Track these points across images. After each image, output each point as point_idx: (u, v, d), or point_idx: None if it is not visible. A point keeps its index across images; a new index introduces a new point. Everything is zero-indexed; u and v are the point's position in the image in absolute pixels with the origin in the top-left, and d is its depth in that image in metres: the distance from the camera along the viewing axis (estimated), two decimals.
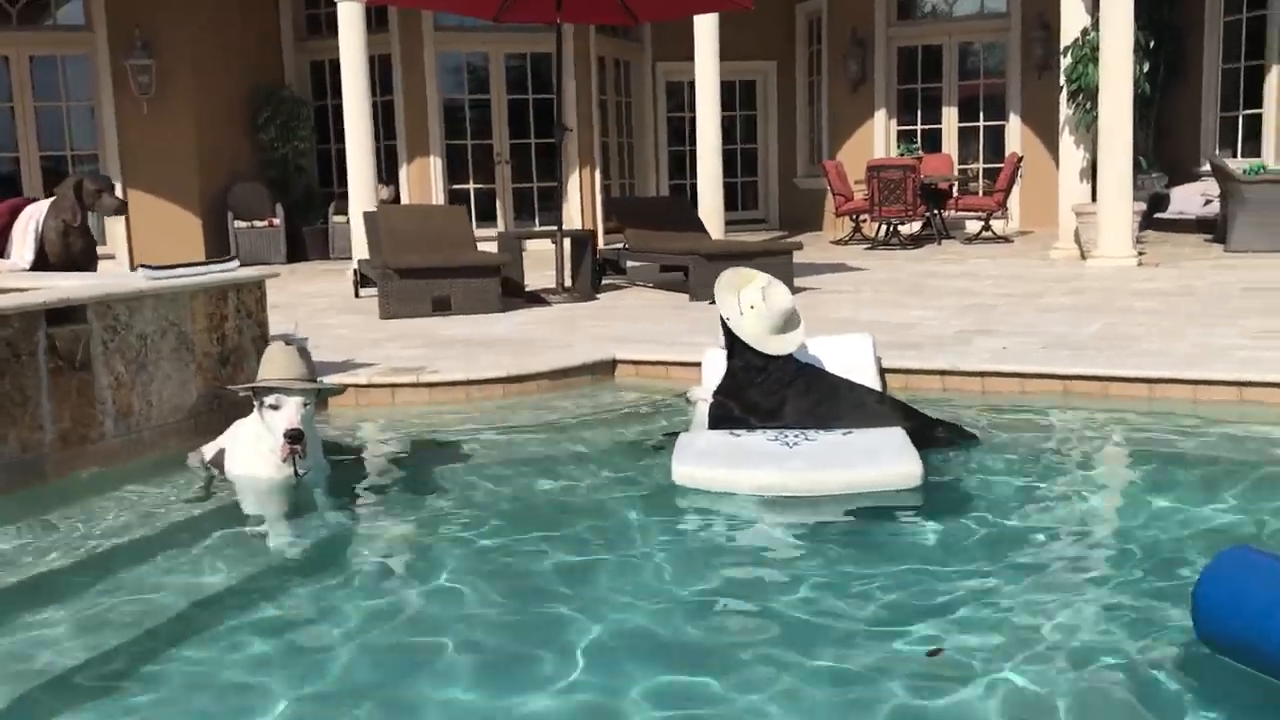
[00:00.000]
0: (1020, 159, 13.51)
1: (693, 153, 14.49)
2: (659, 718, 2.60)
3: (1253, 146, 13.53)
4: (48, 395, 4.47)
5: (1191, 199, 13.55)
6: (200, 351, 5.16)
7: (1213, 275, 9.38)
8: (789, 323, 5.11)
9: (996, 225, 13.66)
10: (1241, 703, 2.63)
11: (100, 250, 7.60)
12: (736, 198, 16.07)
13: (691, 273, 8.99)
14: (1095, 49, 10.55)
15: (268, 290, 5.62)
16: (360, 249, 10.67)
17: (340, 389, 5.26)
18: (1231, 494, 4.09)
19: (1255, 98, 13.53)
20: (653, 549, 3.73)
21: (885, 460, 4.28)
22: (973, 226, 13.95)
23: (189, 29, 13.15)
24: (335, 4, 11.20)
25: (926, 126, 15.42)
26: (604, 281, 10.05)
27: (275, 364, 4.55)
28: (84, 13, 13.22)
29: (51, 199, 6.73)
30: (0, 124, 13.27)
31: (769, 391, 4.99)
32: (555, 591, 3.36)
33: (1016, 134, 14.79)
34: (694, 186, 14.08)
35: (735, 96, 16.20)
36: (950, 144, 15.27)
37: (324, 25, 14.12)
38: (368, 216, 9.86)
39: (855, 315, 7.44)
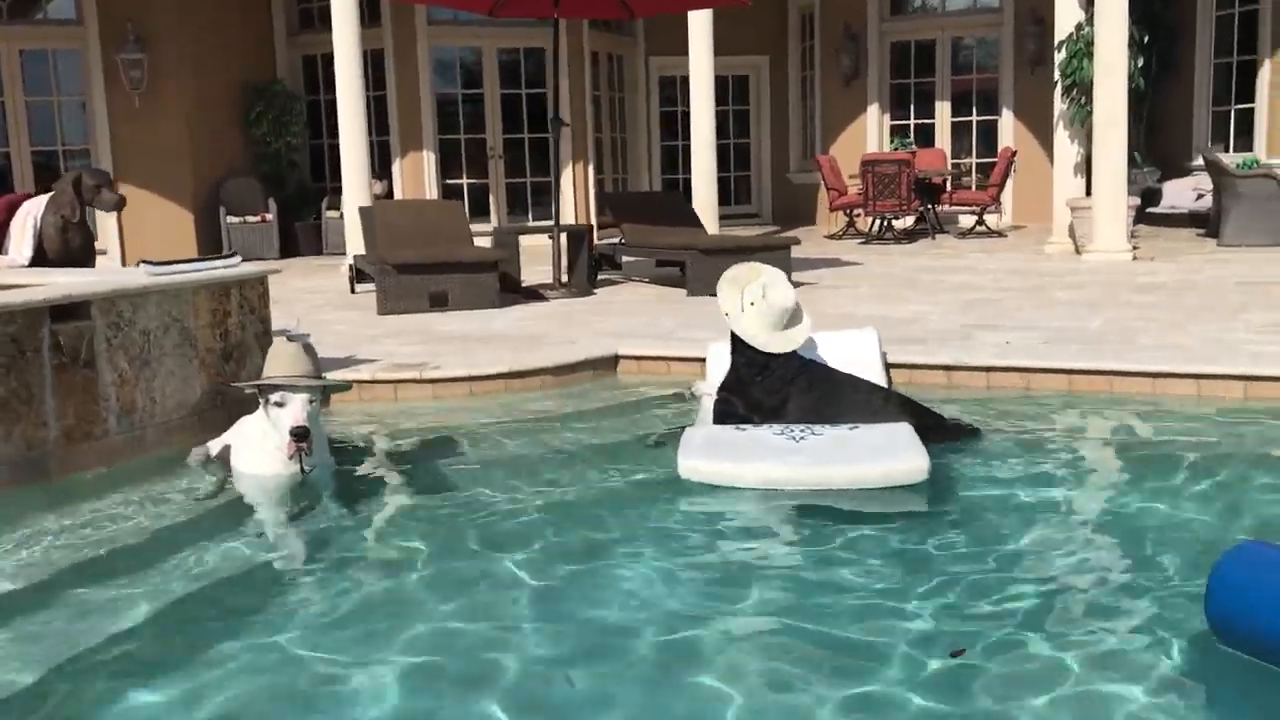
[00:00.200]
0: (1014, 153, 13.54)
1: (685, 147, 14.50)
2: (665, 713, 2.60)
3: (1244, 141, 13.58)
4: (52, 392, 4.44)
5: (1183, 193, 13.61)
6: (203, 347, 5.14)
7: (1209, 270, 9.41)
8: (791, 320, 5.10)
9: (990, 220, 13.69)
10: (1254, 695, 2.63)
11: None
12: (729, 192, 16.06)
13: (689, 267, 8.98)
14: (1090, 44, 10.58)
15: None
16: (355, 244, 10.65)
17: (346, 385, 5.25)
18: (1240, 488, 4.10)
19: (1247, 92, 13.58)
20: (658, 543, 3.72)
21: (892, 455, 4.27)
22: (966, 221, 13.98)
23: (181, 23, 13.07)
24: None
25: (919, 121, 15.44)
26: (600, 277, 10.03)
27: (280, 361, 4.52)
28: (75, 7, 13.13)
29: (50, 194, 6.69)
30: None
31: (771, 390, 4.97)
32: (562, 586, 3.35)
33: (1009, 129, 14.81)
34: (687, 181, 14.06)
35: (728, 91, 16.18)
36: (943, 139, 15.29)
37: (316, 20, 14.09)
38: (363, 211, 9.84)
39: (855, 310, 7.44)
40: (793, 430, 4.60)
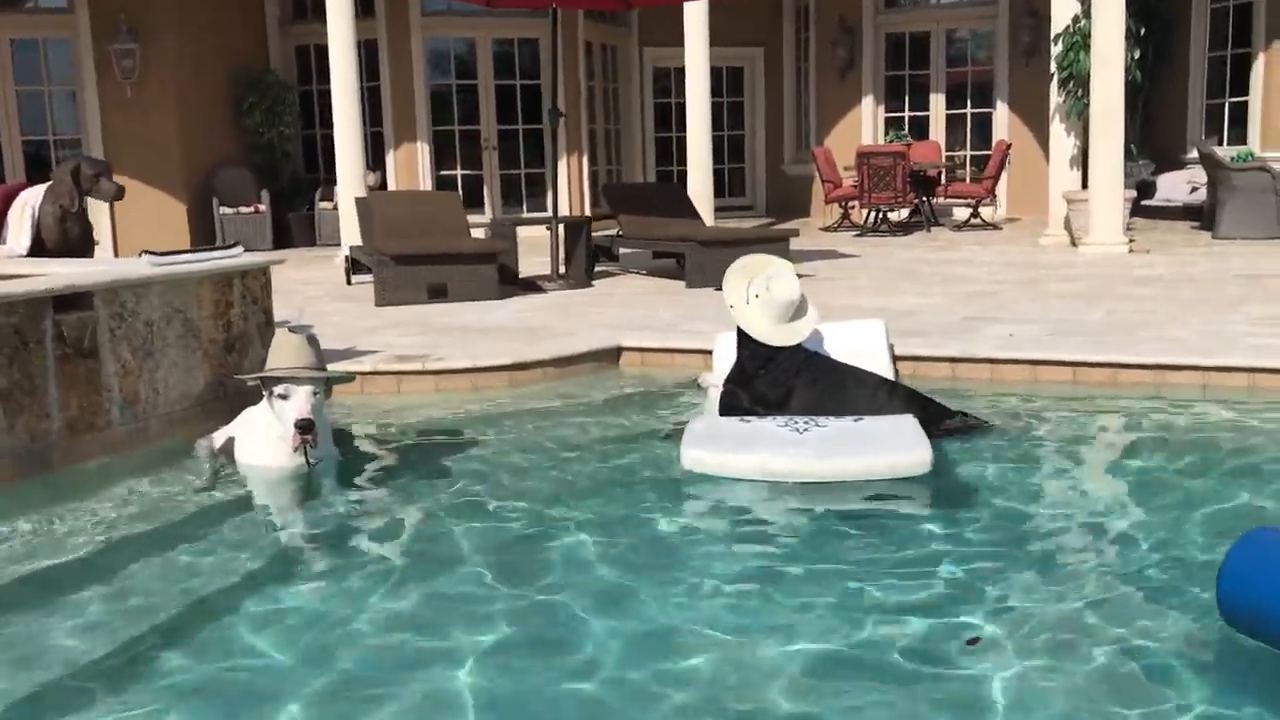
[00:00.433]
0: (1009, 146, 13.53)
1: (679, 139, 14.46)
2: (668, 704, 2.58)
3: (1238, 134, 13.60)
4: (55, 383, 4.41)
5: (1178, 186, 13.62)
6: (206, 338, 5.11)
7: (1205, 262, 9.43)
8: (796, 313, 5.07)
9: (985, 212, 13.69)
10: (1267, 681, 2.63)
11: None
12: (723, 184, 16.00)
13: (688, 259, 8.96)
14: (1086, 36, 10.59)
15: None
16: (349, 236, 10.60)
17: (349, 377, 5.22)
18: (1248, 478, 4.11)
19: (1241, 85, 13.60)
20: (662, 535, 3.72)
21: (896, 447, 4.26)
22: (960, 214, 13.97)
23: (174, 13, 12.99)
24: None
25: (914, 113, 15.43)
26: (596, 268, 10.00)
27: (284, 352, 4.49)
28: None
29: (48, 184, 6.63)
30: None
31: (775, 382, 4.96)
32: (567, 578, 3.34)
33: (1004, 121, 14.81)
34: (681, 173, 14.05)
35: (722, 83, 16.12)
36: (937, 131, 15.29)
37: (309, 10, 14.00)
38: (360, 202, 9.79)
39: (855, 302, 7.43)
40: (796, 422, 4.59)
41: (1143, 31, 11.44)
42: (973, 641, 2.82)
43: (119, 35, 12.75)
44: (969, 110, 15.26)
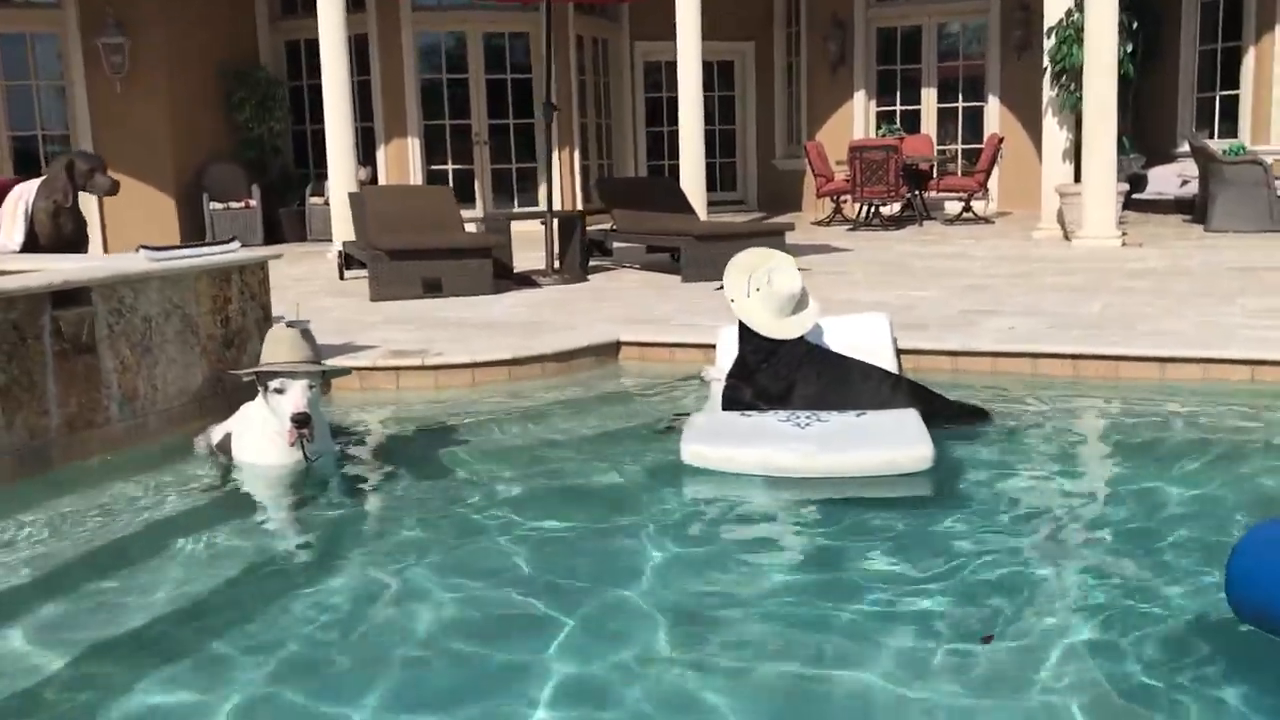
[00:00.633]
0: (1001, 140, 13.54)
1: (670, 133, 14.41)
2: (673, 702, 2.57)
3: (1227, 127, 13.64)
4: (53, 379, 4.37)
5: (1169, 179, 13.66)
6: (204, 334, 5.07)
7: (1199, 255, 9.44)
8: (797, 306, 5.06)
9: (977, 206, 13.69)
10: (1275, 673, 2.63)
11: None
12: (714, 179, 15.97)
13: (684, 254, 8.94)
14: (1080, 30, 10.58)
15: None
16: (340, 231, 10.55)
17: (346, 370, 5.19)
18: (1255, 470, 4.11)
19: (1231, 79, 13.63)
20: (663, 530, 3.69)
21: (897, 442, 4.24)
22: (952, 207, 13.98)
23: (162, 7, 12.89)
24: None
25: (905, 107, 15.42)
26: (590, 263, 9.98)
27: (279, 346, 4.45)
28: None
29: (42, 179, 6.57)
30: None
31: (777, 376, 4.94)
32: (569, 576, 3.31)
33: (995, 115, 14.82)
34: (672, 167, 13.98)
35: (713, 77, 16.09)
36: (929, 125, 15.28)
37: (299, 4, 13.93)
38: (352, 197, 9.74)
39: (854, 296, 7.41)
40: (798, 417, 4.57)
41: (1135, 25, 11.46)
42: (987, 639, 2.80)
43: (107, 30, 12.66)
44: (960, 104, 15.26)
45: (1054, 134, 11.33)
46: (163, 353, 4.85)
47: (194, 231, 13.01)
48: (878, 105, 15.55)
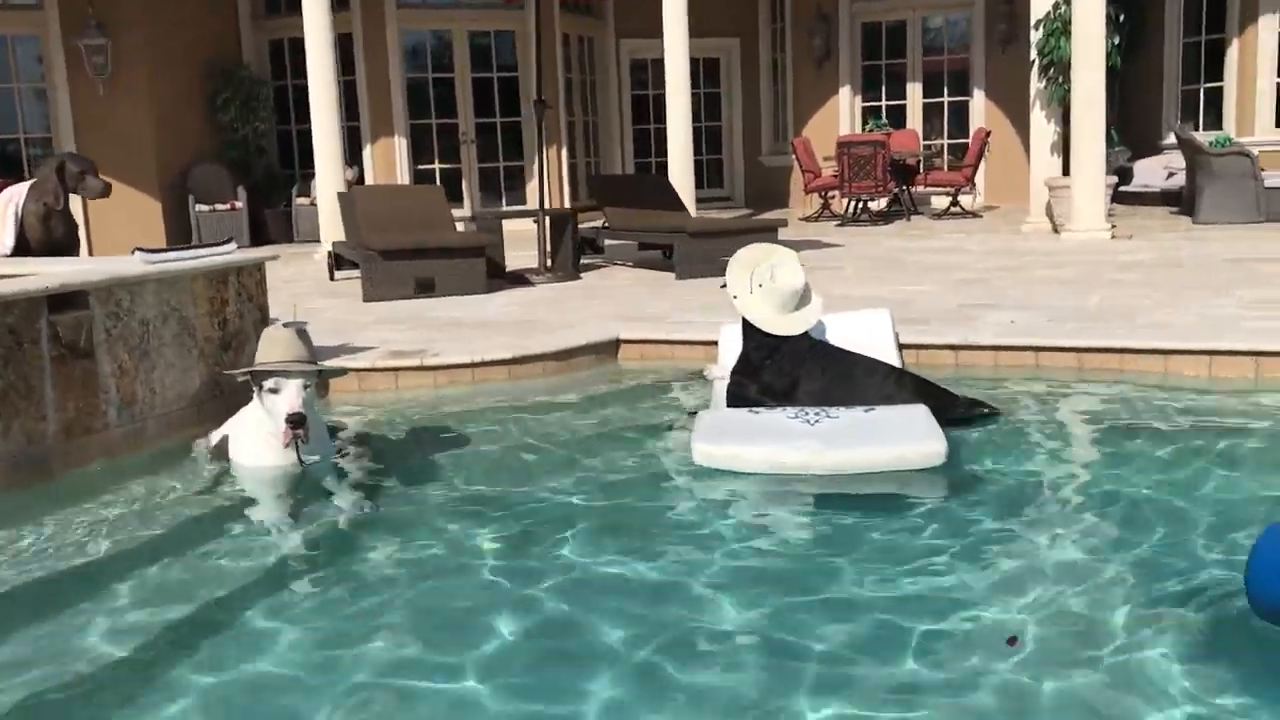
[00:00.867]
0: (988, 134, 13.55)
1: (657, 131, 14.40)
2: (688, 706, 2.54)
3: (1211, 119, 13.69)
4: (51, 384, 4.31)
5: (1155, 172, 13.70)
6: (202, 336, 5.01)
7: (1189, 247, 9.47)
8: (800, 302, 5.03)
9: (964, 200, 13.71)
10: None
11: None
12: (701, 176, 15.91)
13: (678, 251, 8.91)
14: (1067, 23, 10.59)
15: None
16: (329, 231, 10.49)
17: (342, 371, 5.15)
18: (1267, 463, 4.09)
19: (1216, 71, 13.68)
20: (674, 531, 3.66)
21: (909, 438, 4.22)
22: (939, 202, 13.99)
23: (143, 8, 12.79)
24: None
25: (891, 103, 15.43)
26: (582, 260, 9.94)
27: (273, 346, 4.39)
28: None
29: (31, 181, 6.49)
30: None
31: (780, 373, 4.91)
32: (577, 577, 3.28)
33: (980, 109, 14.85)
34: (659, 165, 13.99)
35: (699, 74, 16.06)
36: (915, 120, 15.29)
37: (283, 3, 13.84)
38: (342, 198, 9.68)
39: (850, 292, 7.39)
40: (807, 413, 4.54)
41: (1120, 18, 11.48)
42: (1012, 641, 2.78)
43: (88, 31, 12.55)
44: (945, 99, 15.28)
45: (1042, 127, 11.35)
46: (160, 356, 4.79)
47: (180, 234, 12.92)
48: (863, 100, 15.56)
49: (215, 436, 4.70)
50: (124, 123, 12.76)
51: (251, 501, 4.27)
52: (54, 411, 4.33)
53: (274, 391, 4.29)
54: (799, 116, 15.73)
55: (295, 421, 4.22)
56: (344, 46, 13.46)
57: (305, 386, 4.31)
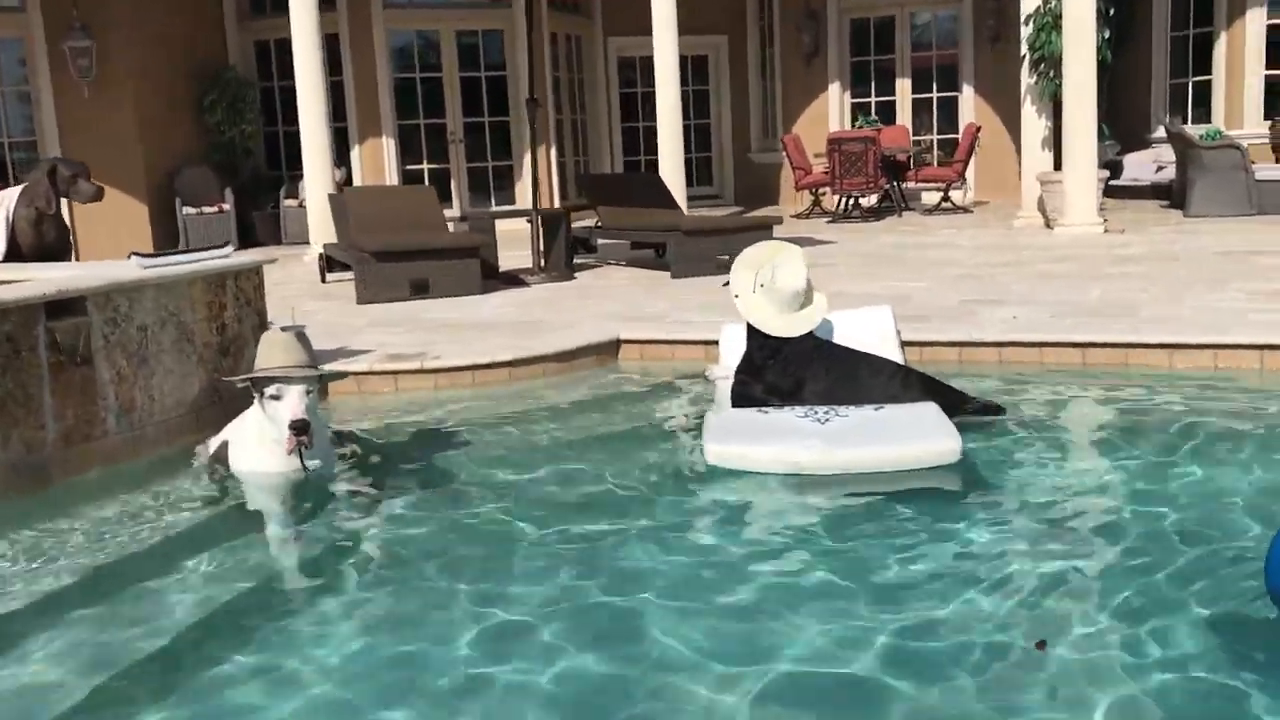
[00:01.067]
0: (979, 129, 13.55)
1: (646, 129, 14.37)
2: (713, 709, 2.51)
3: (1200, 113, 13.72)
4: (49, 392, 4.24)
5: (1144, 165, 13.72)
6: (201, 342, 4.94)
7: (1183, 241, 9.47)
8: (804, 302, 4.98)
9: (955, 196, 13.70)
10: None
11: None
12: (691, 173, 15.86)
13: (673, 250, 8.87)
14: (1058, 17, 10.59)
15: None
16: (318, 233, 10.41)
17: (343, 375, 5.08)
18: (1274, 458, 4.08)
19: (1204, 64, 13.71)
20: (690, 534, 3.63)
21: (924, 436, 4.19)
22: (930, 198, 13.98)
23: (128, 9, 12.67)
24: None
25: (880, 98, 15.42)
26: (575, 260, 9.89)
27: (274, 351, 4.31)
28: None
29: (22, 185, 6.41)
30: None
31: (784, 372, 4.87)
32: (586, 581, 3.24)
33: (970, 104, 14.84)
34: (649, 163, 13.95)
35: (687, 71, 15.94)
36: (904, 115, 15.28)
37: (268, 4, 13.74)
38: (333, 199, 9.62)
39: (847, 289, 7.35)
40: (816, 412, 4.51)
41: (1110, 12, 11.48)
42: (1040, 645, 2.74)
43: (73, 33, 12.41)
44: (935, 94, 15.27)
45: (1033, 122, 11.34)
46: (159, 362, 4.72)
47: (167, 237, 12.82)
48: (852, 96, 15.54)
49: (214, 443, 4.62)
50: (110, 125, 12.64)
51: (254, 509, 4.22)
52: (53, 419, 4.26)
53: (276, 398, 4.20)
54: (788, 113, 15.69)
55: (300, 428, 4.13)
56: (330, 47, 13.29)
57: (308, 392, 4.24)
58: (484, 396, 5.51)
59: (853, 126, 14.71)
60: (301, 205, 12.34)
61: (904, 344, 5.38)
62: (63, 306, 4.30)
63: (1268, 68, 13.17)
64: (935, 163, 14.63)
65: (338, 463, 4.50)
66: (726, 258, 8.39)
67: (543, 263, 9.23)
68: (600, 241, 10.55)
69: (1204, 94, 13.76)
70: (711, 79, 16.70)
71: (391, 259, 8.07)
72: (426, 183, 13.60)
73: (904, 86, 15.32)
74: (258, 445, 4.36)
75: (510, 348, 5.91)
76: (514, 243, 9.72)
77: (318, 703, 2.61)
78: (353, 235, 8.61)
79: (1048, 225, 10.92)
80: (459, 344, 6.14)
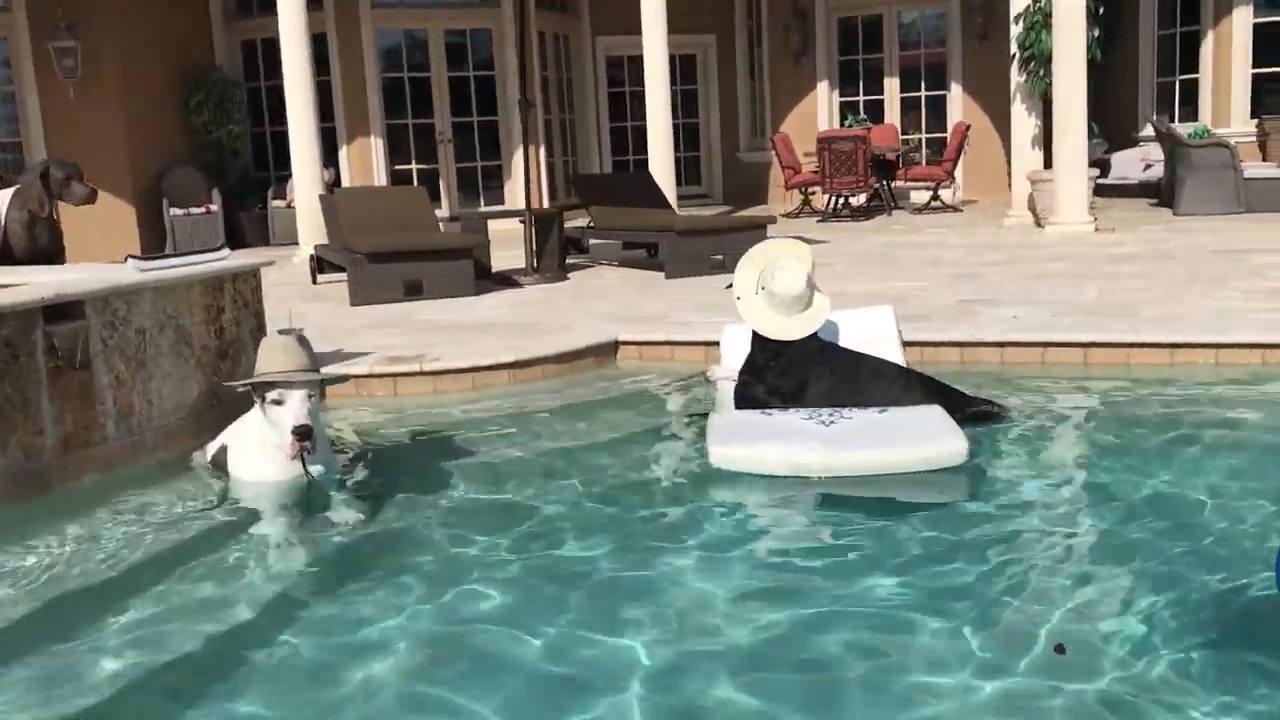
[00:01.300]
0: (968, 127, 13.55)
1: (635, 128, 14.32)
2: (696, 708, 2.50)
3: (1187, 111, 13.76)
4: (48, 397, 4.19)
5: (1132, 164, 13.76)
6: (199, 345, 4.89)
7: (1174, 239, 9.49)
8: (804, 304, 4.95)
9: (944, 195, 13.70)
10: None
11: None
12: (679, 173, 15.84)
13: (666, 250, 8.84)
14: (1048, 16, 10.60)
15: None
16: (307, 234, 10.35)
17: (342, 378, 5.03)
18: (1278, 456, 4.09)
19: (1191, 63, 13.75)
20: (693, 536, 3.60)
21: (930, 438, 4.17)
22: (919, 197, 13.98)
23: (114, 9, 12.58)
24: None
25: (869, 97, 15.41)
26: (567, 260, 9.85)
27: (275, 355, 4.24)
28: None
29: (14, 188, 6.33)
30: None
31: (786, 374, 4.85)
32: (591, 584, 3.22)
33: (958, 103, 14.85)
34: (637, 162, 13.91)
35: (675, 71, 15.90)
36: (893, 114, 15.28)
37: (255, 4, 13.67)
38: (324, 200, 9.56)
39: (844, 288, 7.33)
40: (821, 414, 4.50)
41: (1100, 10, 11.50)
42: (1059, 649, 2.73)
43: (57, 33, 12.31)
44: (923, 93, 15.27)
45: (1023, 120, 11.35)
46: (157, 366, 4.67)
47: (154, 238, 12.73)
48: (841, 95, 15.53)
49: (212, 448, 4.56)
50: (96, 126, 12.54)
51: (254, 515, 4.16)
52: (51, 425, 4.21)
53: (278, 403, 4.14)
54: (776, 112, 15.68)
55: (303, 433, 4.07)
56: (318, 47, 13.26)
57: (310, 396, 4.18)
58: (484, 398, 5.48)
59: (841, 125, 14.71)
60: (290, 206, 12.28)
61: (905, 344, 5.38)
62: (61, 311, 4.25)
63: (1254, 66, 13.21)
64: (924, 161, 14.64)
65: (338, 468, 4.45)
66: (720, 258, 8.43)
67: (536, 263, 9.20)
68: (592, 242, 10.52)
69: (1191, 92, 13.81)
70: (700, 78, 16.67)
71: (384, 260, 8.03)
72: (415, 183, 13.55)
73: (892, 85, 15.33)
74: (259, 451, 4.29)
75: (509, 349, 5.88)
76: (506, 243, 9.67)
77: (319, 709, 2.58)
78: (344, 236, 8.56)
79: (1038, 224, 10.94)
80: (457, 346, 6.10)
